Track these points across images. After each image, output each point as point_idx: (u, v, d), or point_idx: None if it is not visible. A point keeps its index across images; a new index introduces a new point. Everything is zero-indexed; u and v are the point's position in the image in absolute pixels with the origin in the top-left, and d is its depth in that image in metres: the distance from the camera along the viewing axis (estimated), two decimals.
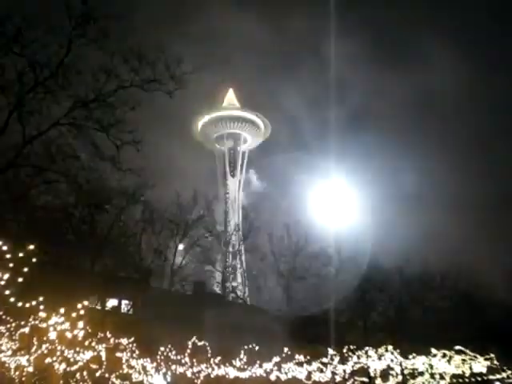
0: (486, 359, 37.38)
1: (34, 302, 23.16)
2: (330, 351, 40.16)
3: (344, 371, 40.34)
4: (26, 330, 26.81)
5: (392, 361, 38.31)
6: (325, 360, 40.80)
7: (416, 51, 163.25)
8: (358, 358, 39.02)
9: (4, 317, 24.95)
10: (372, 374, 40.42)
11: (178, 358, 39.12)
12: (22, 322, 26.30)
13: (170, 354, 38.64)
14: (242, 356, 40.95)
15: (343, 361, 39.83)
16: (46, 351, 29.77)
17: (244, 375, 41.84)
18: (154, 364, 38.83)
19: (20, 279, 19.55)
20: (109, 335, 34.80)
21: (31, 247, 19.86)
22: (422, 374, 39.59)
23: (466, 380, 38.56)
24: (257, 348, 40.75)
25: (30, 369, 32.87)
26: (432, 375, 39.55)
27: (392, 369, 38.89)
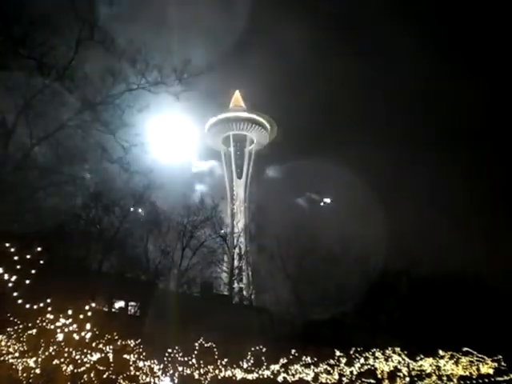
0: (493, 361, 37.27)
1: (41, 304, 23.29)
2: (337, 353, 40.11)
3: (351, 373, 40.27)
4: (34, 331, 26.92)
5: (399, 362, 38.22)
6: (332, 362, 40.75)
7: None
8: (365, 359, 38.95)
9: (12, 318, 25.08)
10: (379, 376, 40.36)
11: (185, 359, 39.15)
12: (30, 324, 26.40)
13: (177, 355, 38.67)
14: (249, 357, 40.94)
15: (350, 362, 39.76)
16: (53, 353, 29.88)
17: (251, 377, 41.83)
18: (161, 366, 38.86)
19: (27, 281, 19.67)
20: (116, 337, 34.87)
21: (38, 249, 20.00)
22: (429, 375, 39.48)
23: (474, 382, 38.47)
24: (264, 349, 40.71)
25: (38, 370, 32.98)
26: (439, 377, 39.46)
27: (399, 370, 38.80)
